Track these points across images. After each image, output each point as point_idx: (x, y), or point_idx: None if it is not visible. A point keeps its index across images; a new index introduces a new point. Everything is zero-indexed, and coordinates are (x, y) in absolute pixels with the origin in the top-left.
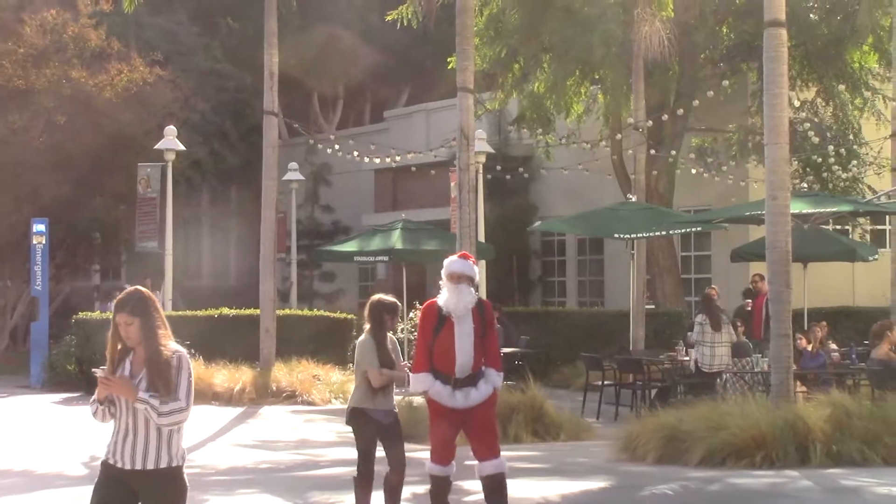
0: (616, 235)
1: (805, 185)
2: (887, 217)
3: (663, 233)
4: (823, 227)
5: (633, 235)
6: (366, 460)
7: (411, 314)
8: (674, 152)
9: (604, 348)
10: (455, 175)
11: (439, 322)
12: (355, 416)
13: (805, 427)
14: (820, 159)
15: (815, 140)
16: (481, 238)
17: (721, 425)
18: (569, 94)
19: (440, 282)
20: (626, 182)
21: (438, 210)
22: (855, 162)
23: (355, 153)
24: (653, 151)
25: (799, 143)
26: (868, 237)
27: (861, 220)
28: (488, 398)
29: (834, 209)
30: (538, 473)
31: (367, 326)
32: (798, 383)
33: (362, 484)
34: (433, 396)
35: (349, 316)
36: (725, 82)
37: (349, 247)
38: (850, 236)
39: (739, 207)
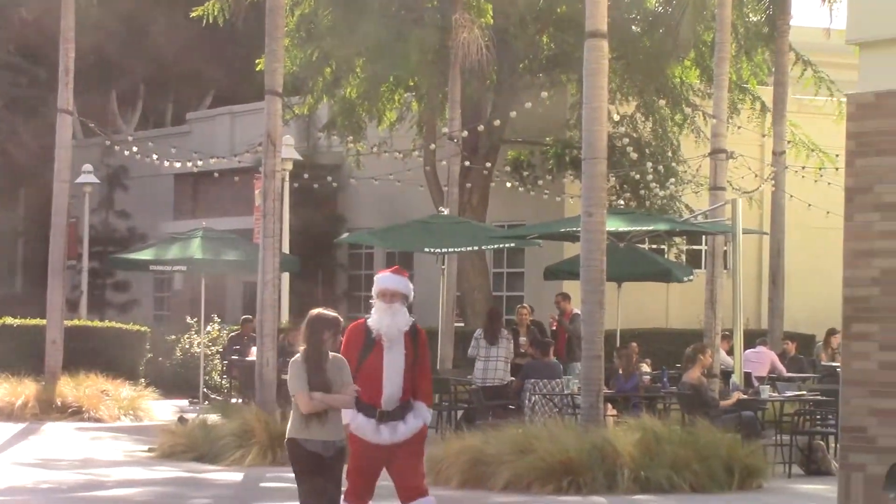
0: (427, 250)
1: (622, 202)
2: (703, 237)
3: (475, 248)
4: (639, 245)
5: (444, 250)
6: (307, 491)
7: (208, 328)
8: (489, 165)
9: None
10: (260, 182)
11: (366, 345)
12: (289, 448)
13: (614, 452)
14: (638, 176)
15: (634, 156)
16: (286, 249)
17: (528, 449)
18: (382, 100)
19: (371, 300)
20: (438, 194)
21: (241, 219)
22: (673, 180)
23: (154, 156)
24: (467, 163)
25: (617, 159)
26: (684, 257)
27: (677, 239)
28: (417, 433)
29: (650, 228)
30: None
31: (301, 346)
32: (608, 406)
33: None
34: (355, 431)
35: (143, 328)
36: (544, 94)
37: (145, 255)
38: (666, 256)
39: (554, 224)
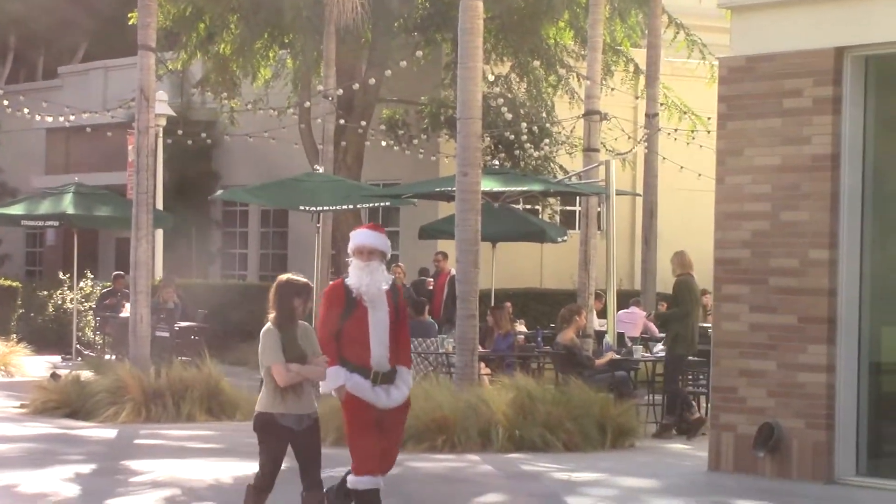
0: (301, 208)
1: (496, 163)
2: (577, 198)
3: (350, 206)
4: (514, 206)
5: (319, 208)
6: (267, 473)
7: (81, 284)
8: (364, 123)
9: None
10: (133, 138)
11: (348, 306)
12: (260, 423)
13: (488, 410)
14: (512, 137)
15: (509, 116)
16: (159, 206)
17: None
18: (256, 57)
19: (347, 259)
20: (313, 152)
21: (114, 174)
22: (547, 141)
23: (25, 110)
24: (342, 121)
25: (492, 119)
26: (558, 218)
27: (551, 200)
28: (406, 401)
29: (525, 188)
30: (212, 454)
31: (270, 314)
32: (482, 365)
33: (255, 499)
34: (353, 391)
35: (14, 283)
36: (419, 53)
37: (16, 210)
38: (540, 216)
39: (429, 183)
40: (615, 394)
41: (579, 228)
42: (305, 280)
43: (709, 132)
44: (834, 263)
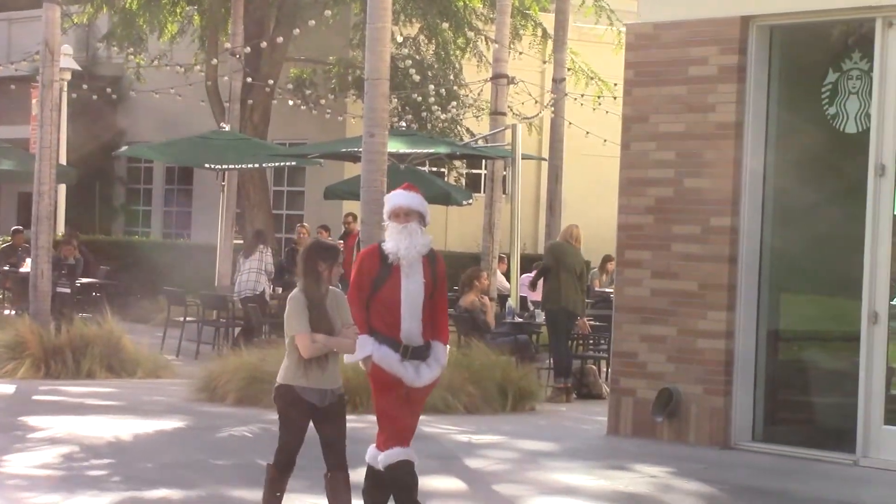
0: (207, 165)
1: (403, 124)
2: (483, 161)
3: (256, 165)
4: (420, 168)
5: (224, 166)
6: (288, 451)
7: None
8: (271, 82)
9: (188, 283)
10: (37, 92)
11: (381, 272)
12: (282, 395)
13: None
14: (420, 98)
15: (417, 78)
16: (63, 160)
17: None
18: (163, 12)
19: (384, 222)
20: (220, 110)
21: (17, 128)
22: (455, 103)
23: None
24: (249, 80)
25: (400, 81)
26: (463, 181)
27: (457, 163)
28: (435, 381)
29: (431, 150)
30: (111, 411)
31: (298, 280)
32: None
33: (276, 477)
34: (379, 363)
35: None
36: (328, 12)
37: None
38: (446, 179)
39: (335, 143)
40: (517, 357)
41: (484, 192)
42: (333, 243)
43: (615, 98)
44: (735, 231)
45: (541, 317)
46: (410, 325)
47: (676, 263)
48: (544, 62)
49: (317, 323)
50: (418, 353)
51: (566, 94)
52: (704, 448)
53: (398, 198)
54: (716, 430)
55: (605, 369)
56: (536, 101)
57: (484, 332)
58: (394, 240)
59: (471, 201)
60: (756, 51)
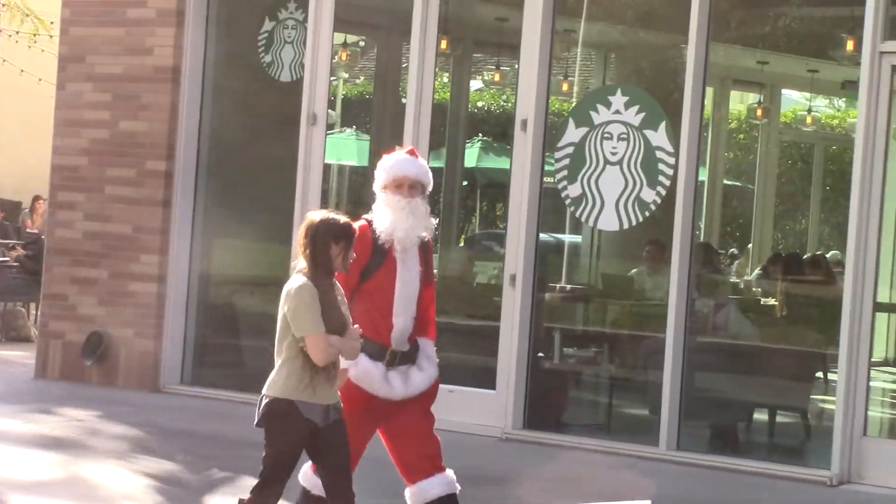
0: None
1: None
2: None
3: None
4: None
5: None
6: (277, 475)
7: None
8: None
9: None
10: None
11: (374, 257)
12: (276, 412)
13: None
14: None
15: None
16: None
17: None
18: None
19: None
20: None
21: None
22: None
23: None
24: None
25: None
26: None
27: None
28: (433, 384)
29: None
30: None
31: (298, 264)
32: None
33: None
34: (357, 379)
35: None
36: None
37: None
38: None
39: None
40: None
41: None
42: (346, 219)
43: (52, 37)
44: (170, 175)
45: None
46: (403, 322)
47: (110, 206)
48: None
49: (329, 321)
50: (408, 357)
51: (1, 31)
52: (134, 391)
53: (403, 165)
54: (145, 373)
55: (34, 312)
56: None
57: None
58: (393, 218)
59: None
60: None
